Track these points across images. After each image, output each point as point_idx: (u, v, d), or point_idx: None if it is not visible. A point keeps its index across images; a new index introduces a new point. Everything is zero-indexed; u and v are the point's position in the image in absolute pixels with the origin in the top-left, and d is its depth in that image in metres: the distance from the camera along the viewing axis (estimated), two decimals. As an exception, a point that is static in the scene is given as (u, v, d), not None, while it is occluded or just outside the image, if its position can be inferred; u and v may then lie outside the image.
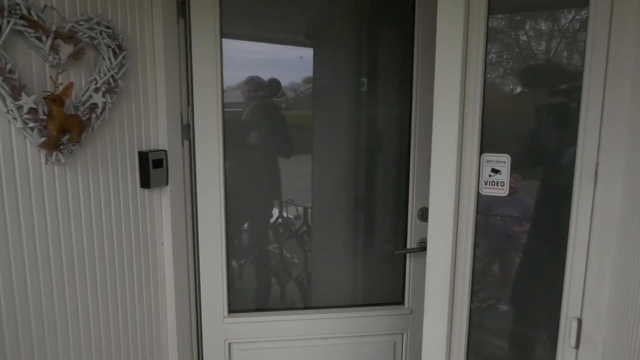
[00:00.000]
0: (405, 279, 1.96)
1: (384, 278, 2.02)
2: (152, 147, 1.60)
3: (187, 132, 1.69)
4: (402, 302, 1.98)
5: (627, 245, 0.98)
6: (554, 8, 1.14)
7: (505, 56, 1.18)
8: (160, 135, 1.62)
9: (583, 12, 1.08)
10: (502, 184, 1.19)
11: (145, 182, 1.56)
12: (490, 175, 1.20)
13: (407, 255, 1.93)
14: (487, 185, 1.21)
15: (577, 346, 1.12)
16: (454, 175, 1.19)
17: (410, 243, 1.93)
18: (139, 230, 1.58)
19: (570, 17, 1.14)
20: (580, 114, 1.10)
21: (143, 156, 1.55)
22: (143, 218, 1.60)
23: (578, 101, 1.10)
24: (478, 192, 1.22)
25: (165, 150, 1.61)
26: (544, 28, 1.14)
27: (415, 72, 1.81)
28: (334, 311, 1.92)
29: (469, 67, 1.15)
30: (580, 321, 1.11)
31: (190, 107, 1.67)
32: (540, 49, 1.17)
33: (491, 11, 1.13)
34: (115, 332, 1.53)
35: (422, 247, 1.89)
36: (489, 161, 1.20)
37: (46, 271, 1.31)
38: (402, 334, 1.99)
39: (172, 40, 1.59)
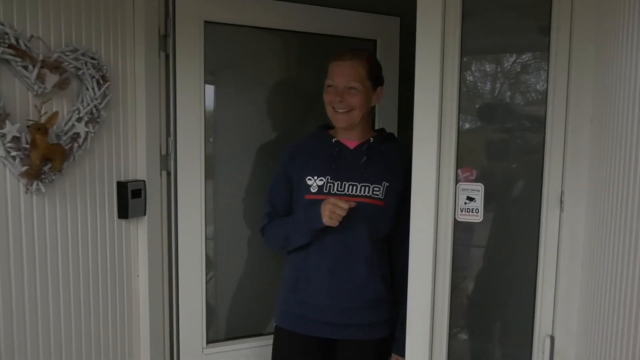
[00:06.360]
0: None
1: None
2: (131, 177, 1.59)
3: (167, 162, 1.70)
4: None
5: (591, 266, 1.08)
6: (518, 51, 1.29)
7: (473, 97, 1.30)
8: (139, 166, 1.61)
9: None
10: (477, 210, 1.28)
11: (123, 213, 1.55)
12: (465, 203, 1.29)
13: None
14: (463, 212, 1.29)
15: (551, 362, 1.20)
16: (433, 203, 1.27)
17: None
18: (114, 262, 1.55)
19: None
20: (545, 151, 1.20)
21: (122, 186, 1.54)
22: (119, 249, 1.57)
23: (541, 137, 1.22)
24: (455, 219, 1.30)
25: (144, 181, 1.61)
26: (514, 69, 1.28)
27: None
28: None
29: (444, 102, 1.25)
30: (552, 338, 1.19)
31: (171, 138, 1.68)
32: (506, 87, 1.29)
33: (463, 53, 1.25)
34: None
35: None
36: (464, 190, 1.29)
37: (19, 304, 1.27)
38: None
39: (153, 71, 1.62)
